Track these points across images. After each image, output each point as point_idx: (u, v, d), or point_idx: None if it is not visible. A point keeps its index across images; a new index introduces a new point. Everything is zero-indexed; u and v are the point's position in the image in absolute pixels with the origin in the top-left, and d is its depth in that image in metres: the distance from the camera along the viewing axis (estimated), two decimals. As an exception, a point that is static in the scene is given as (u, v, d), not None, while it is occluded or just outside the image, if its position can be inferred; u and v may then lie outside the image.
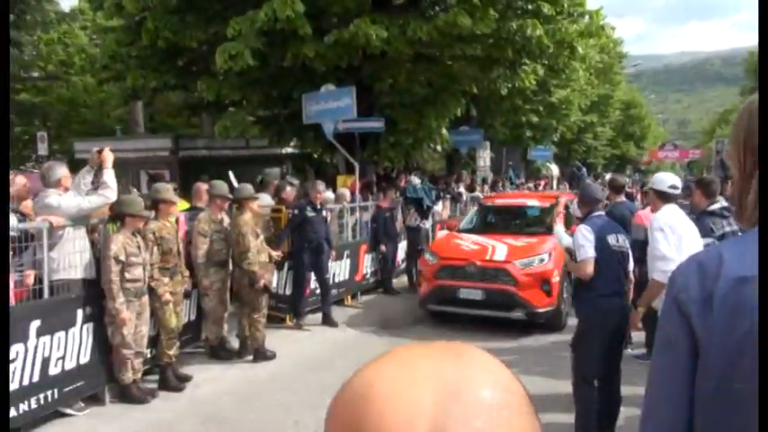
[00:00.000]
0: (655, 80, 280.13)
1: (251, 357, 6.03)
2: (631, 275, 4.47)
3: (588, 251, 3.95)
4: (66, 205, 4.60)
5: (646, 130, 44.40)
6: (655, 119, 56.78)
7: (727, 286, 0.95)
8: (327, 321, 7.43)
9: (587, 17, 12.11)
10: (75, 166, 4.99)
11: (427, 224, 10.29)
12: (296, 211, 7.21)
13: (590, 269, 3.93)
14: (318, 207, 7.33)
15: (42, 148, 17.60)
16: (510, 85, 12.60)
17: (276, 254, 6.62)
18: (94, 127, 21.49)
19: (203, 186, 6.72)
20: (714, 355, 0.96)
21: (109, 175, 4.77)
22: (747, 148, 1.04)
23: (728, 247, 1.03)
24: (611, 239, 4.06)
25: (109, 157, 4.83)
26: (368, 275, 9.15)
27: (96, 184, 4.79)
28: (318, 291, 7.57)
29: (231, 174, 7.94)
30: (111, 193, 4.74)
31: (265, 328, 6.10)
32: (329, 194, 8.93)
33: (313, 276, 7.40)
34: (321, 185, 7.62)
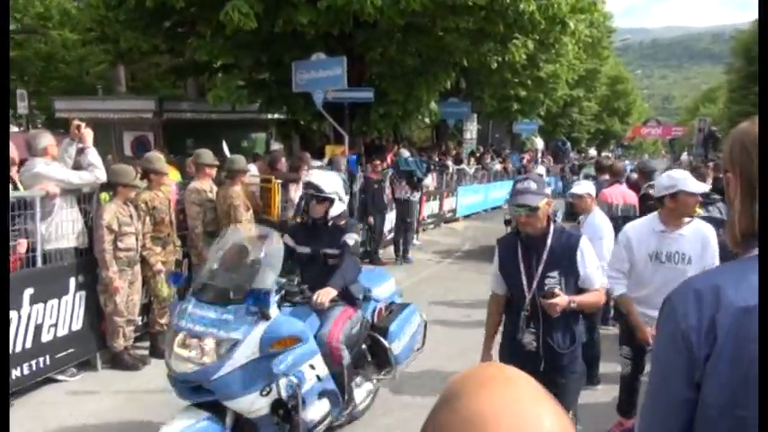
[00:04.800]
0: (642, 54, 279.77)
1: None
2: None
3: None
4: (55, 175, 4.59)
5: (631, 106, 44.50)
6: (640, 94, 56.88)
7: (730, 316, 0.97)
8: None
9: (580, -8, 12.04)
10: (55, 124, 4.98)
11: (417, 196, 10.34)
12: None
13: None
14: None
15: (22, 107, 17.00)
16: (500, 59, 12.54)
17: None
18: (74, 84, 20.90)
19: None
20: (718, 385, 0.99)
21: (93, 155, 4.82)
22: (744, 179, 1.06)
23: (722, 275, 1.04)
24: None
25: (88, 135, 4.85)
26: (355, 247, 9.22)
27: (82, 161, 4.83)
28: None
29: (224, 144, 7.85)
30: (100, 173, 4.81)
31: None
32: (317, 163, 8.91)
33: None
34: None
